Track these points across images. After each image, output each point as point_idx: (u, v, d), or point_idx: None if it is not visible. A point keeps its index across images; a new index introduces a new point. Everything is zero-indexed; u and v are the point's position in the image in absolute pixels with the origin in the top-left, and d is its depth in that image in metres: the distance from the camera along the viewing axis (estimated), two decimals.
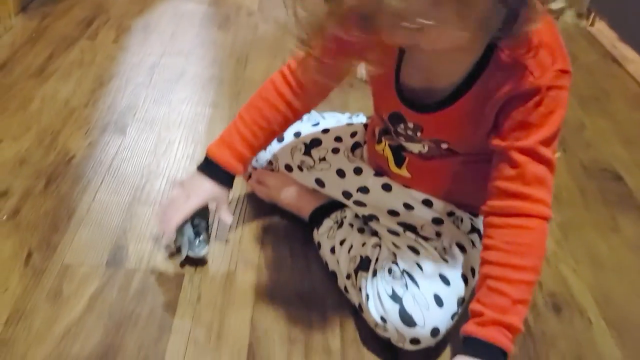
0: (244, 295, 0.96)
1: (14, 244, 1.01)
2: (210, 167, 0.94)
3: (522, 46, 0.71)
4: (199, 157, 1.26)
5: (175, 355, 0.85)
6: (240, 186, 1.19)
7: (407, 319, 0.82)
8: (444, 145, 0.86)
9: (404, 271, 0.87)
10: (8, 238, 1.02)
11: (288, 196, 1.10)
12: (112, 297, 0.93)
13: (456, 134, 0.83)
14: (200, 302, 0.94)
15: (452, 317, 0.86)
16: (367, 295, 0.87)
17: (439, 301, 0.84)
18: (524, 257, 0.75)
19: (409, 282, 0.85)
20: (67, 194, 1.13)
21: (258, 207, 1.15)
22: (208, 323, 0.91)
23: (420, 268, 0.87)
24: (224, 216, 0.97)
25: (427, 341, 0.84)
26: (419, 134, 0.86)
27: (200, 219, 1.01)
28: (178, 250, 1.01)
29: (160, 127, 1.36)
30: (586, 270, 1.09)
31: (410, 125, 0.86)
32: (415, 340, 0.84)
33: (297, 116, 0.97)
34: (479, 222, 0.94)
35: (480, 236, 0.92)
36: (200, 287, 0.97)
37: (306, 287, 0.99)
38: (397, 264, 0.89)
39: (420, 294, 0.84)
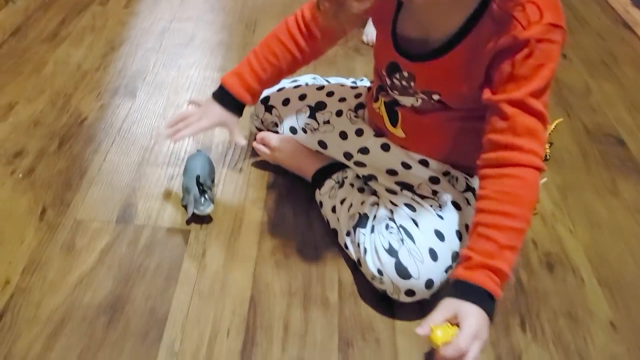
0: (247, 250, 1.00)
1: (29, 201, 1.06)
2: (221, 94, 1.01)
3: None
4: None
5: (180, 305, 0.90)
6: (245, 148, 1.22)
7: (403, 272, 0.86)
8: (436, 97, 0.88)
9: (400, 226, 0.90)
10: (24, 195, 1.07)
11: (291, 157, 1.13)
12: (122, 251, 0.98)
13: (447, 84, 0.86)
14: (205, 256, 0.99)
15: (446, 271, 0.89)
16: (365, 249, 0.91)
17: (433, 255, 0.87)
18: (514, 205, 0.77)
19: (405, 237, 0.89)
20: (79, 154, 1.18)
21: (262, 168, 1.18)
22: (212, 276, 0.95)
23: (416, 224, 0.90)
24: (237, 139, 1.02)
25: (421, 293, 0.88)
26: (412, 83, 0.88)
27: (206, 177, 1.05)
28: (185, 208, 1.05)
29: (169, 91, 1.39)
30: (583, 231, 1.12)
31: (405, 74, 0.88)
32: (410, 292, 0.88)
33: (305, 59, 1.02)
34: (474, 182, 0.96)
35: (475, 194, 0.95)
36: (206, 243, 1.01)
37: (307, 244, 1.03)
38: (394, 220, 0.92)
39: (415, 248, 0.87)
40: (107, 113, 1.30)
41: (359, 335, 0.89)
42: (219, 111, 1.01)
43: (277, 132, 1.15)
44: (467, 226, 0.93)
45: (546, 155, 1.28)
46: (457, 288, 0.77)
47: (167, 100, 1.36)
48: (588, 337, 0.92)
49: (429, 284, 0.87)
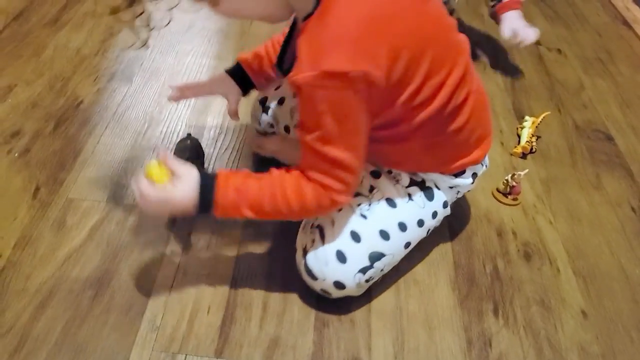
0: (231, 232, 1.03)
1: (23, 179, 1.09)
2: (232, 67, 1.06)
3: (308, 34, 0.72)
4: (200, 107, 1.33)
5: (165, 282, 0.94)
6: (234, 138, 1.25)
7: (309, 273, 0.88)
8: None
9: (317, 226, 0.90)
10: (19, 173, 1.11)
11: (290, 153, 1.15)
12: (111, 229, 1.02)
13: None
14: (190, 237, 1.02)
15: (364, 271, 0.87)
16: (297, 248, 0.94)
17: (341, 257, 0.86)
18: (292, 193, 0.79)
19: (317, 237, 0.88)
20: (74, 136, 1.21)
21: (251, 154, 1.21)
22: (196, 256, 0.99)
23: (332, 224, 0.89)
24: (231, 113, 1.05)
25: (337, 293, 0.88)
26: None
27: (194, 161, 1.07)
28: None
29: (165, 77, 1.42)
30: (563, 224, 1.14)
31: None
32: (325, 291, 0.89)
33: None
34: (422, 175, 0.94)
35: (422, 188, 0.93)
36: (192, 225, 1.04)
37: (291, 229, 1.03)
38: (317, 218, 0.92)
39: (322, 249, 0.87)
40: (103, 97, 1.33)
41: (335, 315, 0.91)
42: (224, 80, 1.04)
43: (273, 133, 1.17)
44: (401, 224, 0.90)
45: (532, 148, 1.30)
46: (209, 174, 0.81)
47: (162, 86, 1.39)
48: (558, 324, 0.94)
49: (339, 285, 0.87)
